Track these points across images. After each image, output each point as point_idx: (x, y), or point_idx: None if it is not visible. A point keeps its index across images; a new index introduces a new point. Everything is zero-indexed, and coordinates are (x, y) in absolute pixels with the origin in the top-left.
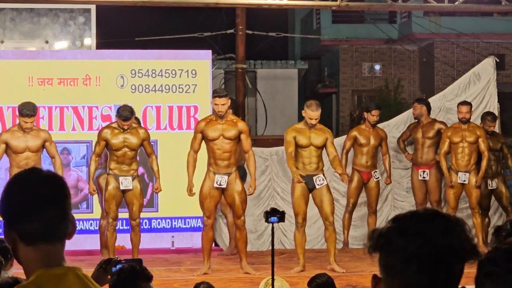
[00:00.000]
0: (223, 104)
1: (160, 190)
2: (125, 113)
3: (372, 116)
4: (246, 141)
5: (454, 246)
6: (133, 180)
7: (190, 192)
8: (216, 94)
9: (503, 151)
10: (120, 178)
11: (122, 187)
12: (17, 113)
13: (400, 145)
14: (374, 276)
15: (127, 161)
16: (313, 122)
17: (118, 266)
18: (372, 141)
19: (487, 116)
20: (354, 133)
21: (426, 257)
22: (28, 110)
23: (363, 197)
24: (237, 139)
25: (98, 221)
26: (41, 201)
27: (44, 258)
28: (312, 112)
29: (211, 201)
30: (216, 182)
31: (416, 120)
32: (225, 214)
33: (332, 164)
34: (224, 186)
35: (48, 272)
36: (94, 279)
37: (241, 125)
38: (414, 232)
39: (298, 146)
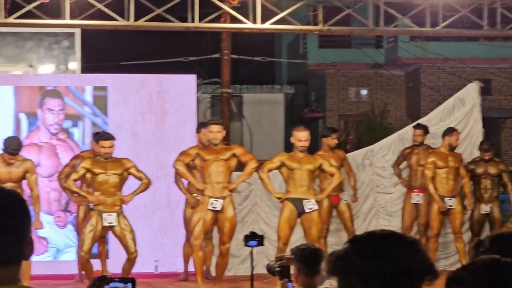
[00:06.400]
0: (218, 132)
1: (126, 202)
2: (108, 134)
3: (333, 139)
4: (245, 156)
5: (412, 265)
6: (118, 216)
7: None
8: (212, 121)
9: (503, 179)
10: (104, 215)
11: (105, 223)
12: (1, 146)
13: (396, 171)
14: None
15: (111, 189)
16: (303, 144)
17: (112, 285)
18: (334, 164)
19: (480, 146)
20: None
21: (384, 277)
22: (12, 148)
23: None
24: (232, 161)
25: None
26: None
27: None
28: (300, 133)
29: (204, 225)
30: (211, 205)
31: (410, 145)
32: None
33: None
34: (218, 209)
35: None
36: None
37: (235, 148)
38: (371, 252)
39: (289, 169)
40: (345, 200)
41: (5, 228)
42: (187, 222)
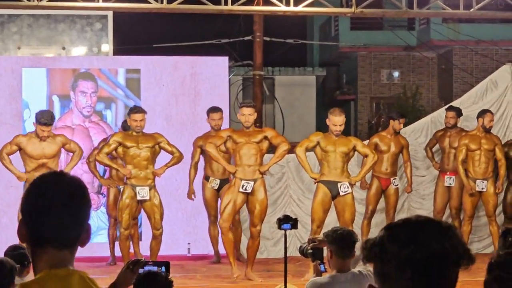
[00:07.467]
0: (249, 114)
1: (159, 175)
2: (139, 108)
3: (400, 124)
4: (277, 139)
5: (447, 250)
6: (150, 190)
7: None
8: (244, 103)
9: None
10: (137, 188)
11: (139, 197)
12: (34, 120)
13: (428, 154)
14: (370, 286)
15: (143, 162)
16: (338, 128)
17: (146, 268)
18: (393, 148)
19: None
20: (375, 139)
21: (419, 263)
22: (46, 119)
23: (381, 203)
24: (263, 143)
25: (107, 231)
26: (54, 206)
27: (51, 261)
28: (336, 117)
29: (234, 207)
30: (242, 187)
31: (443, 128)
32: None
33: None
34: (249, 191)
35: (52, 272)
36: (120, 279)
37: (267, 130)
38: (406, 238)
39: (323, 151)
40: (395, 185)
41: (65, 212)
42: (207, 206)
